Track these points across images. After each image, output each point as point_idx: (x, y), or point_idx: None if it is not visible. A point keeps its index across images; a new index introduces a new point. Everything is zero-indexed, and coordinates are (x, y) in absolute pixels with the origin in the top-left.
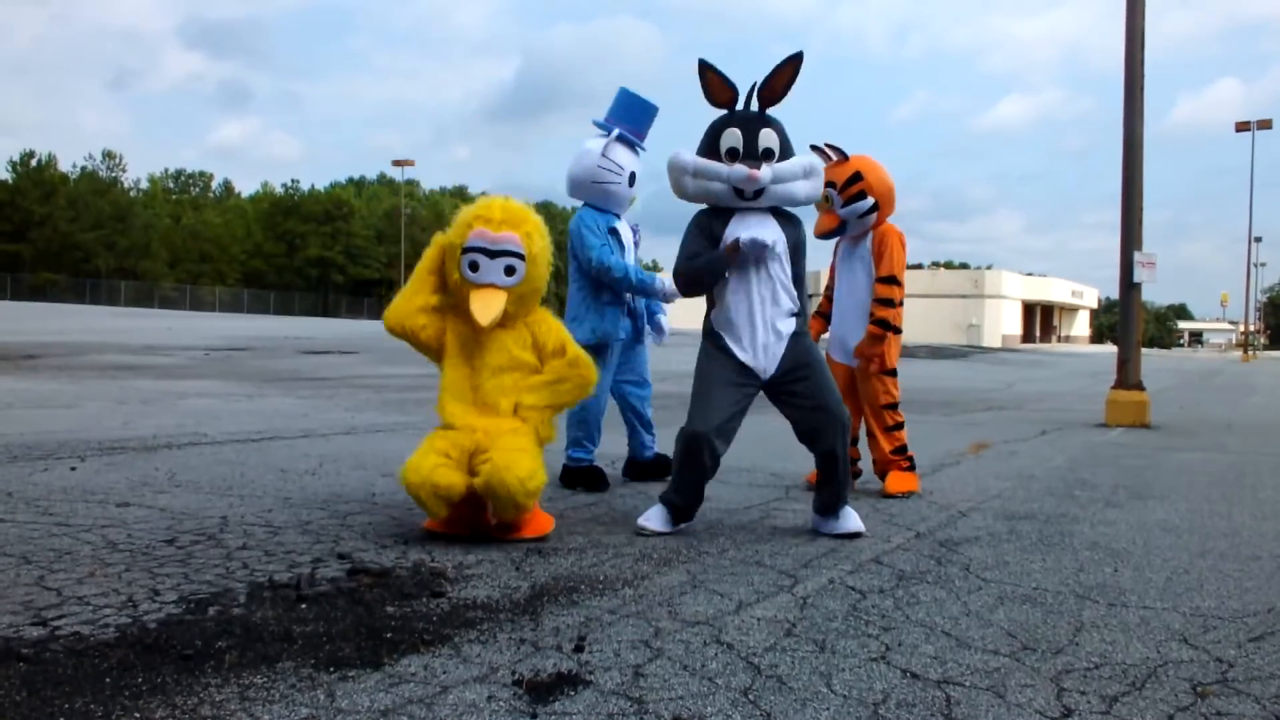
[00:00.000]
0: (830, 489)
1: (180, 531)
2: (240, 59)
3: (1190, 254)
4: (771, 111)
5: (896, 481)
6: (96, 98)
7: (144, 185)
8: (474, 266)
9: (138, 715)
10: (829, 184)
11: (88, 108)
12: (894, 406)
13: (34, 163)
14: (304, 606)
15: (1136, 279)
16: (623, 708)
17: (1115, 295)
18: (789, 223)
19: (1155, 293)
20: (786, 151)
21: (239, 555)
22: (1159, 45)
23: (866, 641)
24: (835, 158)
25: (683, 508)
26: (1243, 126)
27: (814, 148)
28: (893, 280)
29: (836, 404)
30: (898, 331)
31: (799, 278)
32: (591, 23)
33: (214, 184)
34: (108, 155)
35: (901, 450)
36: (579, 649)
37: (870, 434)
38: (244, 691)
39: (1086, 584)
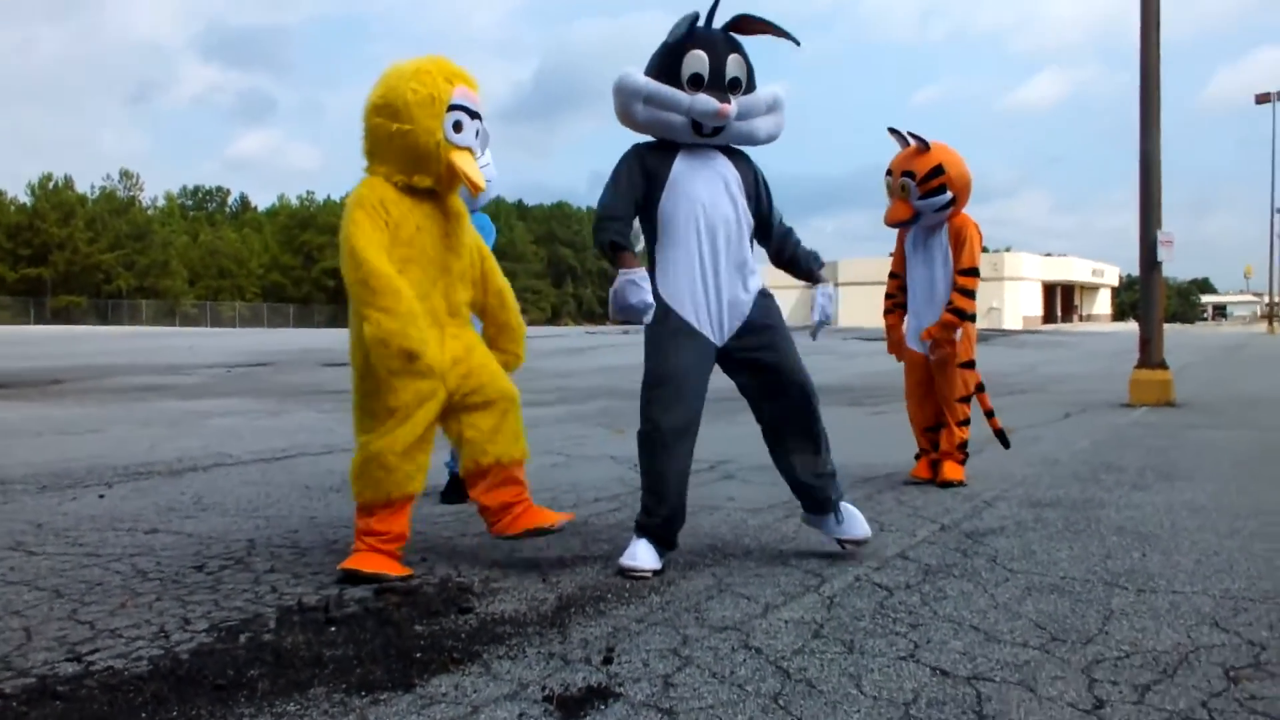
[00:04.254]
0: (813, 478)
1: (209, 557)
2: (260, 69)
3: (1215, 227)
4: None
5: (953, 470)
6: (116, 115)
7: (161, 203)
8: (458, 127)
9: None
10: (908, 173)
11: (107, 125)
12: (967, 400)
13: (51, 185)
14: (333, 629)
15: (1157, 258)
16: None
17: (1136, 272)
18: (741, 161)
19: (1178, 268)
20: (752, 82)
21: (267, 579)
22: (1199, 16)
23: (895, 640)
24: (915, 145)
25: (667, 530)
26: (1263, 98)
27: (891, 131)
28: (974, 272)
29: (802, 370)
30: (973, 319)
31: (765, 220)
32: (620, 18)
33: (230, 199)
34: (125, 174)
35: (964, 445)
36: (608, 660)
37: (941, 424)
38: None
39: (1114, 570)
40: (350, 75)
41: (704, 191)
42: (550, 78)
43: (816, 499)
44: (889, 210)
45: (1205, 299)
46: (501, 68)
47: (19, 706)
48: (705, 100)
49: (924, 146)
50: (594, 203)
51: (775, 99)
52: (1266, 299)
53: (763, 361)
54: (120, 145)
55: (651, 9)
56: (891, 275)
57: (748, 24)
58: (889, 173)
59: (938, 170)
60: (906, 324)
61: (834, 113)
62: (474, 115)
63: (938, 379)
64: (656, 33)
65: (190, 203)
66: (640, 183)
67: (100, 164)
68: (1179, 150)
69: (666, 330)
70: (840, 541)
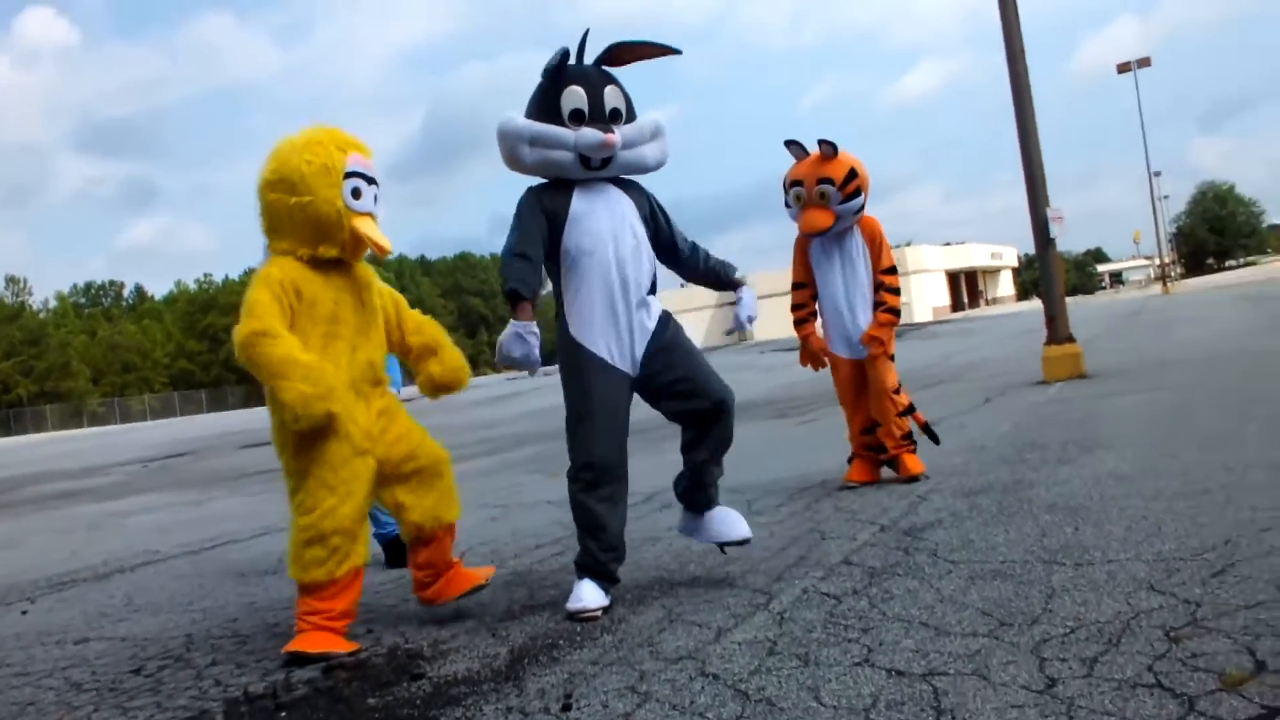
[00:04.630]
0: (709, 472)
1: (146, 659)
2: (137, 157)
3: (1102, 196)
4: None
5: (913, 463)
6: None
7: (53, 304)
8: (356, 193)
9: None
10: (826, 180)
11: None
12: (898, 390)
13: None
14: (284, 715)
15: (1050, 235)
16: None
17: (1034, 251)
18: (634, 191)
19: (1071, 241)
20: (631, 112)
21: (210, 673)
22: None
23: (848, 647)
24: (821, 152)
25: (609, 566)
26: (1124, 68)
27: (790, 143)
28: (894, 269)
29: (718, 381)
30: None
31: (670, 243)
32: (497, 60)
33: (126, 291)
34: (11, 280)
35: (908, 435)
36: (566, 708)
37: (878, 423)
38: None
39: (1051, 548)
40: (231, 152)
41: (606, 226)
42: (438, 127)
43: (698, 499)
44: (809, 218)
45: (1101, 268)
46: (387, 125)
47: None
48: (590, 134)
49: (832, 152)
50: (499, 249)
51: (657, 126)
52: (1158, 261)
53: (674, 379)
54: (0, 251)
55: (525, 48)
56: (798, 286)
57: (621, 54)
58: (797, 183)
59: (853, 174)
60: (827, 330)
61: (726, 129)
62: (371, 181)
63: (872, 374)
64: (535, 70)
65: (84, 300)
66: (543, 222)
67: None
68: (1057, 124)
69: (581, 368)
70: (721, 545)
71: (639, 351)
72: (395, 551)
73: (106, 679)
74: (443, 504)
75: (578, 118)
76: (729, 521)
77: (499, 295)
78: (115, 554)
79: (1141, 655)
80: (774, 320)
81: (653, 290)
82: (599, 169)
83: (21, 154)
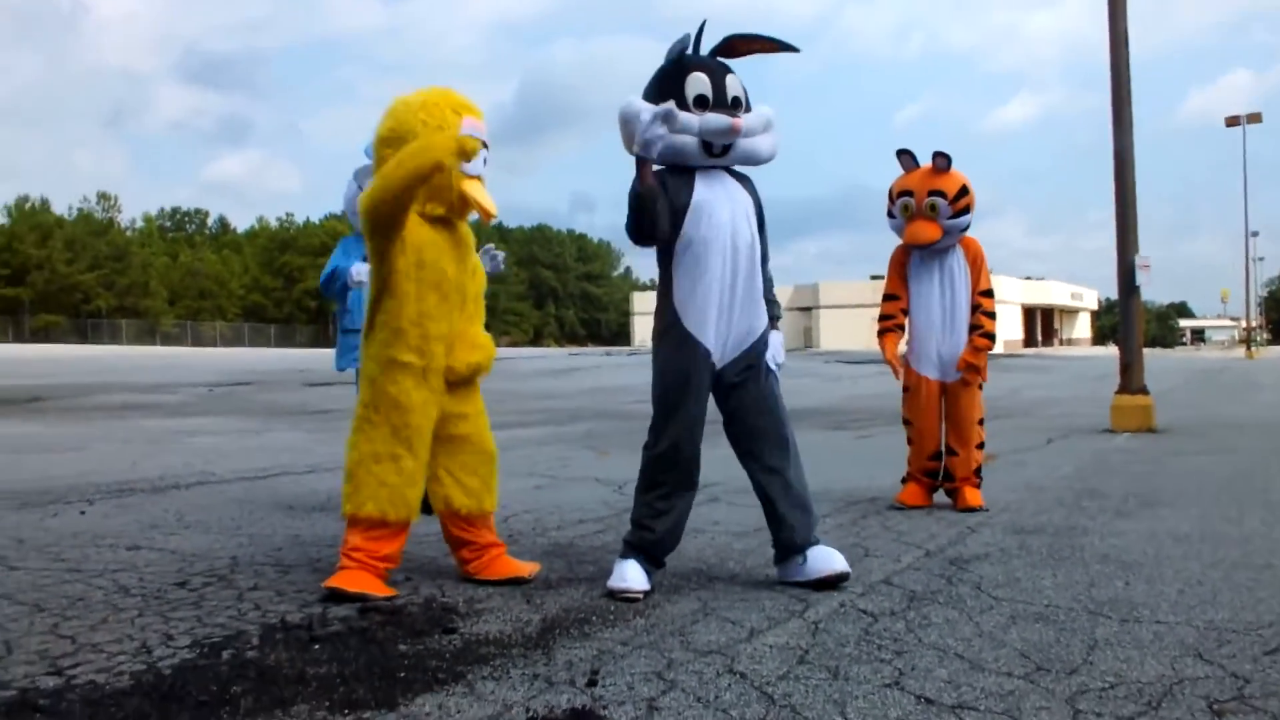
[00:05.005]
0: (790, 519)
1: (191, 574)
2: (236, 93)
3: (1193, 250)
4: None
5: (974, 496)
6: (92, 138)
7: (139, 225)
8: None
9: None
10: (937, 193)
11: (83, 148)
12: (982, 421)
13: (28, 206)
14: (317, 647)
15: (1136, 283)
16: None
17: (1115, 295)
18: (748, 185)
19: (1156, 292)
20: (749, 102)
21: (251, 596)
22: (1168, 36)
23: (879, 667)
24: (934, 164)
25: (660, 548)
26: (1232, 121)
27: (902, 153)
28: (991, 293)
29: (782, 414)
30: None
31: (764, 252)
32: (590, 40)
33: (210, 221)
34: (103, 197)
35: (979, 469)
36: (592, 683)
37: (954, 450)
38: None
39: (1098, 599)
40: (326, 98)
41: (727, 216)
42: (530, 98)
43: (782, 537)
44: (916, 229)
45: (1183, 323)
46: (482, 89)
47: None
48: (717, 118)
49: (946, 165)
50: (574, 225)
51: (769, 118)
52: (1244, 323)
53: (747, 388)
54: (97, 168)
55: (618, 32)
56: (890, 297)
57: (739, 45)
58: (906, 193)
59: (964, 190)
60: (915, 347)
61: (817, 133)
62: (482, 144)
63: (959, 401)
64: (628, 53)
65: (169, 224)
66: (666, 202)
67: (77, 186)
68: (1154, 172)
69: (689, 359)
70: (815, 582)
71: (734, 349)
72: None
73: (152, 587)
74: (476, 494)
75: (701, 103)
76: (823, 558)
77: (571, 270)
78: (173, 470)
79: None
80: (842, 332)
81: (766, 290)
82: (719, 155)
83: (126, 78)
